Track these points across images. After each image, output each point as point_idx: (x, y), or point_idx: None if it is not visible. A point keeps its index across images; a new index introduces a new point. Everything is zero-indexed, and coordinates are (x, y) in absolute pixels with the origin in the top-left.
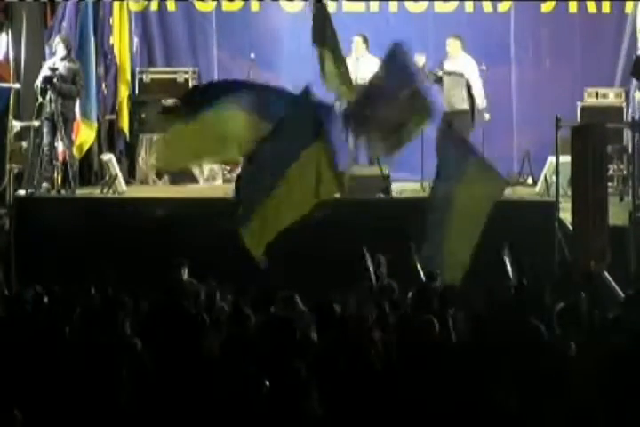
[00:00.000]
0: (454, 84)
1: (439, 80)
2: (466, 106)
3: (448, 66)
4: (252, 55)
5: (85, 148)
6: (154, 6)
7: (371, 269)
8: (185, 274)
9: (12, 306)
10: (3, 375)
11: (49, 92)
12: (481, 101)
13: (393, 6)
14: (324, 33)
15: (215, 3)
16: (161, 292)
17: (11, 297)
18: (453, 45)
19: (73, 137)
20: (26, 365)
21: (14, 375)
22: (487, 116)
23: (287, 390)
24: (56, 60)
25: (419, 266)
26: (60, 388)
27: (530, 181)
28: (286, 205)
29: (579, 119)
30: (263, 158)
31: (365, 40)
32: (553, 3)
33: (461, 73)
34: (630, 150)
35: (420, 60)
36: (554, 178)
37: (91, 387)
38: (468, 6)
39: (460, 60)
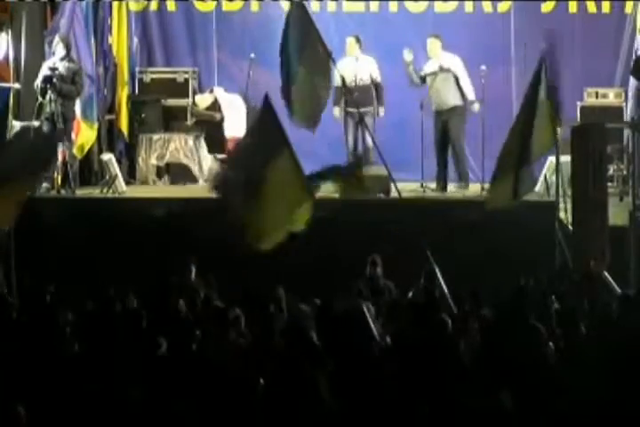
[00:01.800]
0: (445, 81)
1: (423, 80)
2: (460, 101)
3: (431, 67)
4: (252, 55)
5: (86, 148)
6: (153, 6)
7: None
8: (193, 274)
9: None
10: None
11: (49, 92)
12: (470, 94)
13: (393, 6)
14: (309, 37)
15: (215, 3)
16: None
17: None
18: (434, 45)
19: (73, 137)
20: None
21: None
22: (477, 106)
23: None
24: (56, 59)
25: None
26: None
27: None
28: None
29: (579, 119)
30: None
31: (358, 40)
32: (553, 3)
33: (448, 68)
34: (630, 150)
35: (407, 55)
36: (554, 178)
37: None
38: (468, 6)
39: (442, 59)
